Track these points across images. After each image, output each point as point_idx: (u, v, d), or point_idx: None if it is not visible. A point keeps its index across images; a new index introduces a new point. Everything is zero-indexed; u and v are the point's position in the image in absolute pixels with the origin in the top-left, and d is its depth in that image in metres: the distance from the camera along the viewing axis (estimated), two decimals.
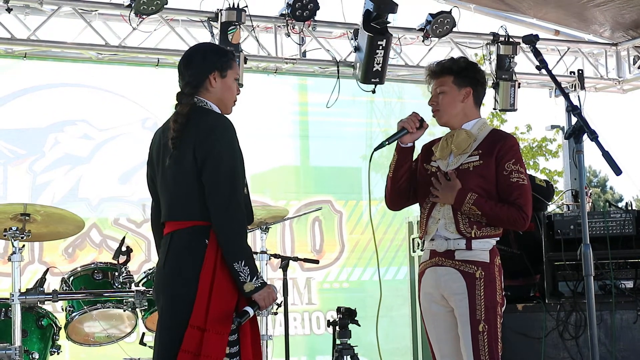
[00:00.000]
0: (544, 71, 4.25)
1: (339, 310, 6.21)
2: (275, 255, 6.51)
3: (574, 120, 4.09)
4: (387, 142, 4.34)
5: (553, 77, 4.39)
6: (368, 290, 9.26)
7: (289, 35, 8.04)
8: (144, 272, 6.33)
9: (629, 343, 6.30)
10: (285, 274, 6.38)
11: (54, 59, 7.84)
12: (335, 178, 9.46)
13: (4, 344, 5.56)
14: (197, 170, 3.85)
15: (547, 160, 16.03)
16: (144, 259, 8.26)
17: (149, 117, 8.44)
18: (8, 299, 5.68)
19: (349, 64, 8.28)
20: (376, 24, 7.80)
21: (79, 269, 6.18)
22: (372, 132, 9.64)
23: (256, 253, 6.46)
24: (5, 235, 5.63)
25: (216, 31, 7.62)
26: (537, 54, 4.23)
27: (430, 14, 8.26)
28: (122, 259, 6.07)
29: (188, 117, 3.90)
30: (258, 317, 6.11)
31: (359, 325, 6.21)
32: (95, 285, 6.08)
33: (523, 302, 6.51)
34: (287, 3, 7.80)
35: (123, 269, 6.08)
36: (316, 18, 7.94)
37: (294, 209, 8.86)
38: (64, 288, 6.06)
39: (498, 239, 4.36)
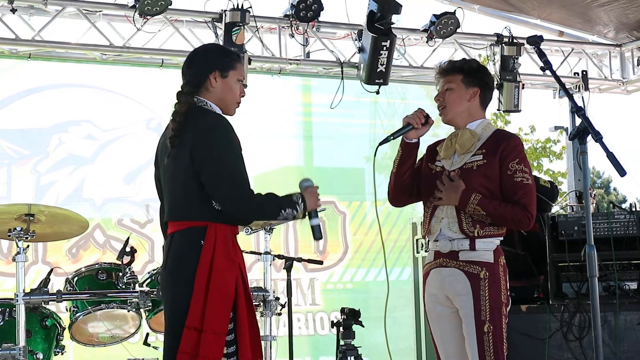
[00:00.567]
0: (548, 72, 4.25)
1: (342, 311, 6.22)
2: (279, 256, 6.51)
3: (578, 121, 4.09)
4: (392, 137, 4.34)
5: (557, 78, 4.39)
6: (372, 291, 9.27)
7: (293, 36, 8.04)
8: (148, 273, 6.34)
9: (633, 344, 6.29)
10: (289, 275, 6.38)
11: (58, 60, 7.85)
12: (339, 179, 9.46)
13: (8, 344, 5.56)
14: (193, 171, 3.84)
15: (551, 162, 16.04)
16: (148, 259, 8.26)
17: (153, 117, 8.45)
18: (12, 299, 5.68)
19: (352, 65, 8.29)
20: (380, 24, 7.80)
21: (83, 269, 6.18)
22: (376, 133, 9.64)
23: (260, 254, 6.47)
24: (9, 236, 5.63)
25: (220, 32, 7.62)
26: (541, 54, 4.23)
27: (434, 14, 8.26)
28: (126, 259, 6.07)
29: (186, 116, 3.89)
30: (261, 318, 6.14)
31: (363, 326, 6.22)
32: (100, 285, 6.08)
33: (527, 303, 6.50)
34: (291, 4, 7.80)
35: (127, 270, 6.08)
36: (320, 19, 7.94)
37: None
38: (68, 288, 6.06)
39: (502, 238, 4.35)
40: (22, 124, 8.18)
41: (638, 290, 6.38)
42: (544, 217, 6.49)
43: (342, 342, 6.21)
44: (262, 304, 6.25)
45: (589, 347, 6.14)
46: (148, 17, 7.36)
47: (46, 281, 5.81)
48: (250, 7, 7.57)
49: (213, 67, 4.00)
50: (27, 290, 5.69)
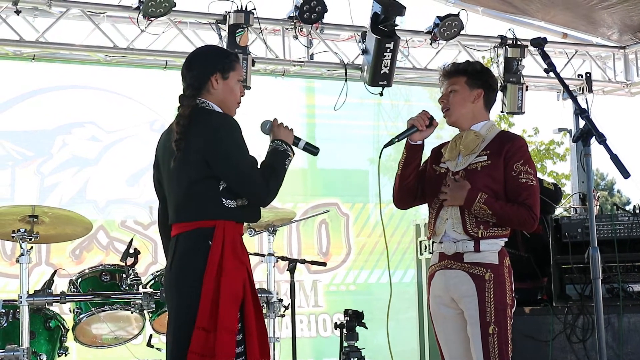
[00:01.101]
0: (551, 74, 4.25)
1: (346, 312, 6.23)
2: (283, 258, 6.52)
3: (581, 123, 4.10)
4: (396, 140, 4.35)
5: (561, 79, 4.39)
6: (375, 293, 9.26)
7: (296, 38, 8.04)
8: (152, 274, 6.34)
9: (637, 346, 6.29)
10: (292, 277, 6.39)
11: (62, 61, 7.85)
12: (342, 181, 9.47)
13: (12, 346, 5.57)
14: (204, 171, 3.87)
15: (554, 164, 15.99)
16: (151, 261, 8.27)
17: (157, 119, 8.45)
18: (16, 300, 5.69)
19: (356, 67, 8.28)
20: (384, 26, 7.80)
21: (86, 270, 6.19)
22: (380, 135, 9.64)
23: (263, 255, 6.47)
24: (13, 237, 5.64)
25: (224, 34, 7.63)
26: (545, 56, 4.23)
27: (438, 16, 8.25)
28: (129, 261, 6.08)
29: (190, 119, 3.92)
30: (265, 319, 6.15)
31: (367, 328, 6.22)
32: (103, 287, 6.09)
33: (530, 305, 6.50)
34: (295, 5, 7.80)
35: (130, 271, 6.09)
36: (324, 21, 7.94)
37: (301, 211, 8.87)
38: (72, 290, 6.07)
39: (506, 239, 4.35)
40: (26, 126, 8.19)
41: None
42: (548, 219, 6.49)
43: (345, 344, 6.22)
44: (265, 305, 6.25)
45: (593, 349, 6.14)
46: (152, 18, 7.36)
47: (50, 283, 5.82)
48: (254, 8, 7.57)
49: (214, 69, 4.02)
50: (31, 292, 5.69)
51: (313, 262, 6.80)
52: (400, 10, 7.71)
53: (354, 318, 6.20)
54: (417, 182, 4.45)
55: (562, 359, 6.33)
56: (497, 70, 8.75)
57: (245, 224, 4.14)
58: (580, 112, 4.09)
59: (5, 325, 5.77)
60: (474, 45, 8.83)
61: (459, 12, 8.25)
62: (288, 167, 4.05)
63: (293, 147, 4.12)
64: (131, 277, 6.07)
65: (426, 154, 4.54)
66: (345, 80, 8.18)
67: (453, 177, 4.33)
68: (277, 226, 6.47)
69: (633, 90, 9.68)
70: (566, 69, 9.31)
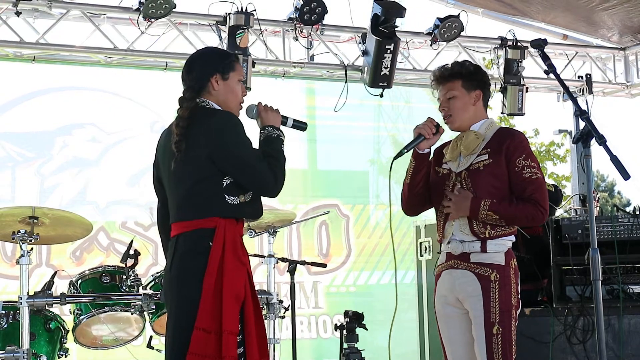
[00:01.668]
0: (552, 75, 4.25)
1: (346, 314, 6.23)
2: (283, 259, 6.52)
3: (582, 124, 4.09)
4: (405, 150, 4.35)
5: (561, 81, 4.39)
6: (375, 294, 9.27)
7: (297, 39, 8.04)
8: (152, 275, 6.34)
9: (637, 348, 6.29)
10: (292, 278, 6.39)
11: (62, 63, 7.85)
12: (343, 182, 9.47)
13: (12, 347, 5.57)
14: (207, 170, 3.88)
15: (554, 165, 15.99)
16: (152, 262, 8.27)
17: (157, 120, 8.45)
18: (16, 302, 5.69)
19: (356, 68, 8.29)
20: (384, 28, 7.80)
21: (87, 272, 6.18)
22: (380, 136, 9.65)
23: (263, 256, 6.47)
24: (13, 238, 5.64)
25: (224, 35, 7.63)
26: (545, 58, 4.23)
27: (438, 18, 8.25)
28: (129, 262, 6.08)
29: (191, 121, 3.92)
30: (264, 321, 6.14)
31: (367, 329, 6.22)
32: (103, 288, 6.09)
33: (531, 307, 6.50)
34: (295, 7, 7.80)
35: (131, 272, 6.08)
36: (324, 22, 7.95)
37: (301, 212, 8.87)
38: (72, 291, 6.07)
39: (513, 238, 4.33)
40: (26, 127, 8.19)
41: None
42: (548, 220, 6.49)
43: (345, 345, 6.22)
44: (265, 306, 6.25)
45: (593, 350, 6.14)
46: (152, 20, 7.37)
47: (50, 284, 5.82)
48: (254, 10, 7.57)
49: (213, 71, 4.02)
50: (31, 293, 5.69)
51: (313, 264, 6.80)
52: (401, 11, 7.71)
53: (354, 319, 6.20)
54: (425, 190, 4.44)
55: None
56: (497, 72, 8.75)
57: (245, 225, 4.14)
58: (581, 113, 4.09)
59: (5, 326, 5.77)
60: (474, 46, 8.83)
61: (459, 14, 8.25)
62: (284, 150, 4.07)
63: (282, 132, 4.12)
64: (131, 278, 6.07)
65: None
66: (346, 81, 8.18)
67: (452, 190, 4.31)
68: (278, 227, 6.47)
69: (633, 92, 9.68)
70: (566, 70, 9.31)
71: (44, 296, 5.73)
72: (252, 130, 4.13)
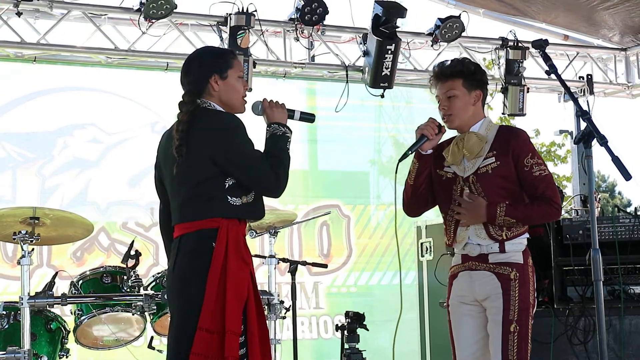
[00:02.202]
0: (553, 76, 4.25)
1: (347, 314, 6.23)
2: (284, 260, 6.52)
3: (583, 125, 4.09)
4: (410, 152, 4.35)
5: (562, 81, 4.38)
6: (376, 295, 9.26)
7: (297, 40, 8.05)
8: (153, 276, 6.34)
9: (638, 348, 6.28)
10: (293, 278, 6.39)
11: (63, 63, 7.86)
12: (344, 182, 9.46)
13: (13, 347, 5.57)
14: (210, 171, 3.87)
15: (555, 165, 16.02)
16: (153, 262, 8.26)
17: (158, 120, 8.45)
18: (17, 302, 5.69)
19: (357, 69, 8.29)
20: (385, 28, 7.80)
21: (88, 272, 6.19)
22: (381, 137, 9.64)
23: (264, 257, 6.47)
24: (14, 239, 5.64)
25: (225, 35, 7.64)
26: (547, 58, 4.23)
27: (439, 18, 8.26)
28: (130, 262, 6.08)
29: (192, 123, 3.91)
30: (266, 321, 6.14)
31: (367, 330, 6.22)
32: (104, 289, 6.09)
33: None
34: (296, 7, 7.81)
35: (132, 273, 6.09)
36: (325, 22, 7.95)
37: (302, 213, 8.86)
38: (73, 292, 6.07)
39: (528, 235, 4.34)
40: (27, 127, 8.19)
41: None
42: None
43: (346, 346, 6.22)
44: (266, 307, 6.25)
45: (594, 351, 6.13)
46: (153, 20, 7.37)
47: (51, 284, 5.82)
48: (255, 10, 7.58)
49: (211, 72, 4.00)
50: (32, 294, 5.70)
51: (314, 264, 6.80)
52: (402, 12, 7.71)
53: (355, 320, 6.20)
54: (428, 190, 4.44)
55: None
56: (498, 72, 8.75)
57: (247, 225, 4.14)
58: (582, 113, 4.09)
59: (6, 327, 5.78)
60: (475, 47, 8.83)
61: (460, 14, 8.25)
62: (289, 148, 4.05)
63: (289, 125, 4.10)
64: (132, 279, 6.07)
65: None
66: (347, 82, 8.19)
67: (463, 196, 4.29)
68: (279, 228, 6.47)
69: (634, 92, 9.68)
70: (567, 70, 9.31)
71: (45, 297, 5.74)
72: (257, 129, 4.13)
